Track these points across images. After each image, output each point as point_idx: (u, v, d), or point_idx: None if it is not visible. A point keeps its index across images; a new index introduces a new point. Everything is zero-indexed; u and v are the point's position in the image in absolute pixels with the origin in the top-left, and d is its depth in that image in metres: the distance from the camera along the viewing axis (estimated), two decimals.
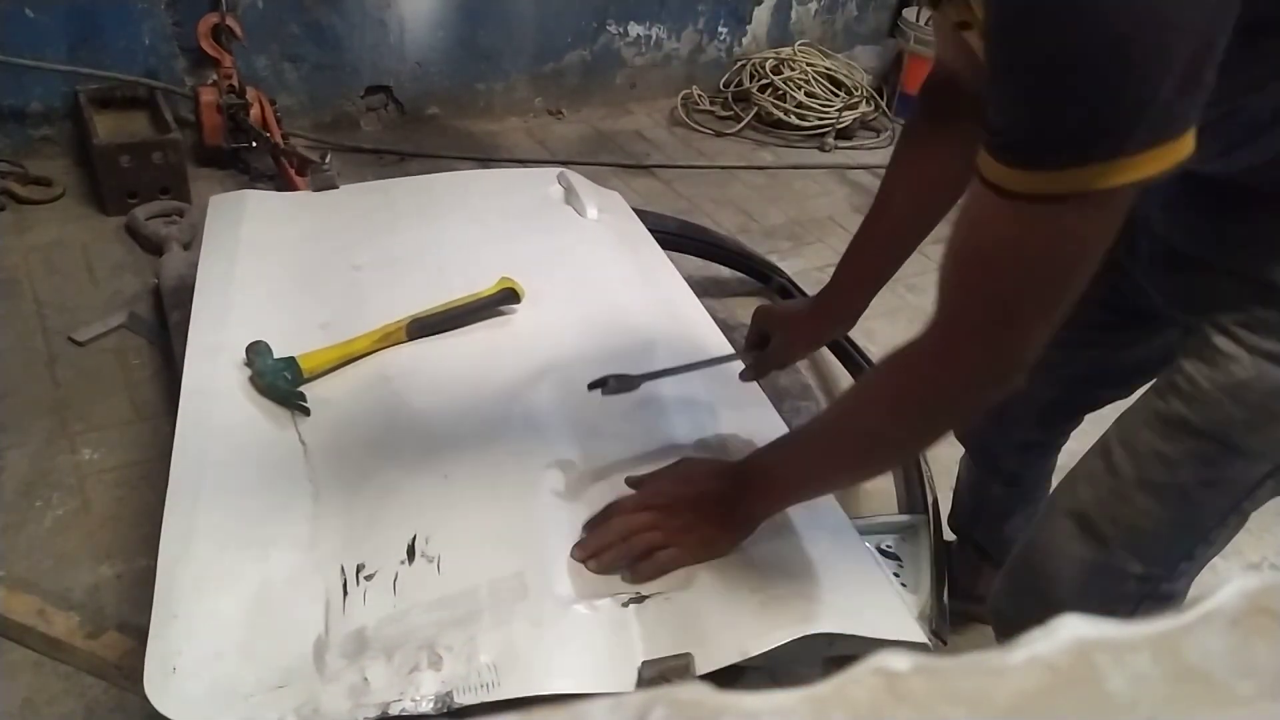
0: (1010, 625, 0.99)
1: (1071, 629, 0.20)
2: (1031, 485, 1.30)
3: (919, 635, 0.92)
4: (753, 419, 1.17)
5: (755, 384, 1.23)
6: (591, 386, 1.07)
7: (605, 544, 0.94)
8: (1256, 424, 0.77)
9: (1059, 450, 1.29)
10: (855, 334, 1.40)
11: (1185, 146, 0.58)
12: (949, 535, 1.48)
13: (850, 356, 1.79)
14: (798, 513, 1.01)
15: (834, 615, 0.90)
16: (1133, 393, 1.00)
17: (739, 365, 1.20)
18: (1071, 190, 0.59)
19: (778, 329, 1.14)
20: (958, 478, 1.40)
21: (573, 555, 0.94)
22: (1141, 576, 0.87)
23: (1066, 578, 0.90)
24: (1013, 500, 1.31)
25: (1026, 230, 0.63)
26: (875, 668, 0.20)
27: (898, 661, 0.20)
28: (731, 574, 0.94)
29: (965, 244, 0.69)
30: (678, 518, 0.94)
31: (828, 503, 1.05)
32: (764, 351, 1.15)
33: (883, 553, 1.19)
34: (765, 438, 1.00)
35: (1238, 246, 0.78)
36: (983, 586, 1.40)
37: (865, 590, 0.96)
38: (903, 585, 1.15)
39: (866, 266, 1.06)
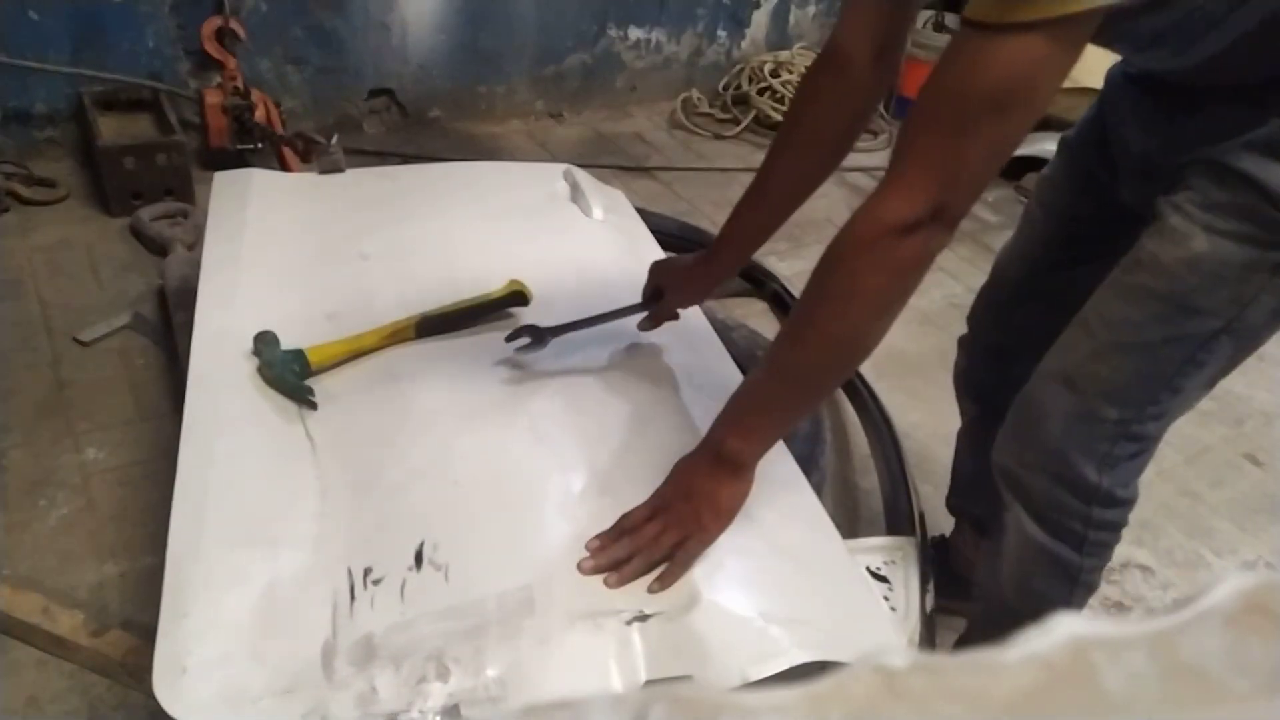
0: (1011, 477, 1.08)
1: (1068, 627, 0.21)
2: None
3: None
4: None
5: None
6: (508, 339, 1.22)
7: (620, 558, 0.95)
8: (1208, 288, 0.91)
9: None
10: None
11: None
12: (944, 532, 1.49)
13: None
14: (796, 535, 1.02)
15: (830, 642, 0.91)
16: None
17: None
18: (1038, 17, 0.71)
19: (669, 282, 1.26)
20: (955, 455, 1.44)
21: (582, 570, 0.94)
22: (1116, 420, 0.99)
23: (1054, 427, 1.02)
24: None
25: (995, 56, 0.74)
26: (874, 665, 0.20)
27: (896, 659, 0.20)
28: (731, 595, 0.94)
29: (935, 85, 0.78)
30: (679, 511, 0.97)
31: (824, 526, 1.06)
32: (659, 304, 1.28)
33: (873, 575, 1.20)
34: None
35: (1197, 140, 0.91)
36: (980, 572, 1.39)
37: (860, 617, 0.98)
38: (892, 609, 1.16)
39: (751, 224, 1.18)
